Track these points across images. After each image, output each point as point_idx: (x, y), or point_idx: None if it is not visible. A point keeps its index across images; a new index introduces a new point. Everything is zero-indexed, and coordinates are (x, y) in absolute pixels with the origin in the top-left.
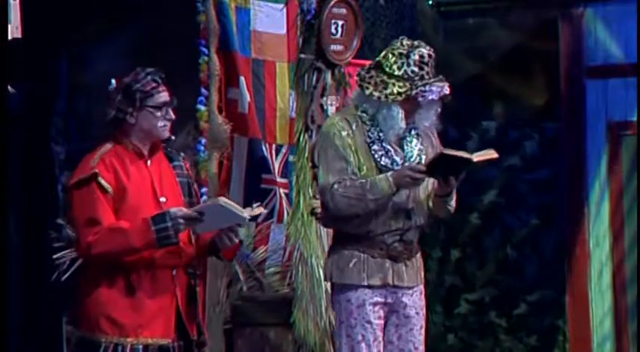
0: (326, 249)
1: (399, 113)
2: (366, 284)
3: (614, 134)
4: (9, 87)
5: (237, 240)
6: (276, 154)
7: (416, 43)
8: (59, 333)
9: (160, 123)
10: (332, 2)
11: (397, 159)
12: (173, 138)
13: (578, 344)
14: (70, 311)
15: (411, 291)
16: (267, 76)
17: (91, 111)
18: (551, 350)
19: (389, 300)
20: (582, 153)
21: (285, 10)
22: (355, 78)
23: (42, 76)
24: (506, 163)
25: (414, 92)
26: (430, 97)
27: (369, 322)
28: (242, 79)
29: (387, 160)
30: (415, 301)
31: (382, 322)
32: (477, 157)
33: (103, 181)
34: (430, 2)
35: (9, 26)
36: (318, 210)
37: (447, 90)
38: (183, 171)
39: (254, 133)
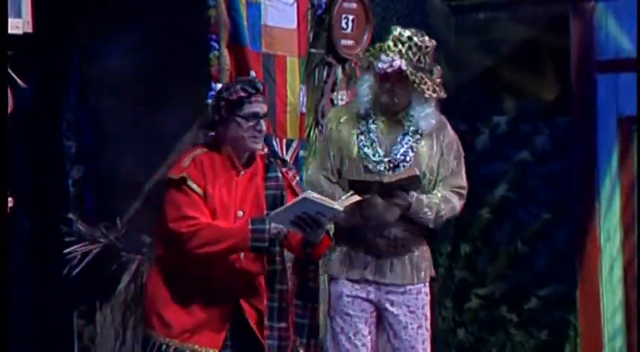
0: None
1: (366, 82)
2: (344, 276)
3: (625, 129)
4: (20, 81)
5: (322, 234)
6: (287, 149)
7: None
8: (70, 328)
9: (248, 134)
10: None
11: (380, 151)
12: (266, 150)
13: (589, 339)
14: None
15: (401, 290)
16: (277, 71)
17: (101, 106)
18: (562, 344)
19: (372, 297)
20: (593, 148)
21: (295, 4)
22: None
23: (53, 70)
24: (517, 158)
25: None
26: (379, 66)
27: (347, 314)
28: (253, 73)
29: (369, 151)
30: (408, 300)
31: (367, 317)
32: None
33: (193, 185)
34: None
35: (21, 21)
36: None
37: (396, 64)
38: (279, 183)
39: None
